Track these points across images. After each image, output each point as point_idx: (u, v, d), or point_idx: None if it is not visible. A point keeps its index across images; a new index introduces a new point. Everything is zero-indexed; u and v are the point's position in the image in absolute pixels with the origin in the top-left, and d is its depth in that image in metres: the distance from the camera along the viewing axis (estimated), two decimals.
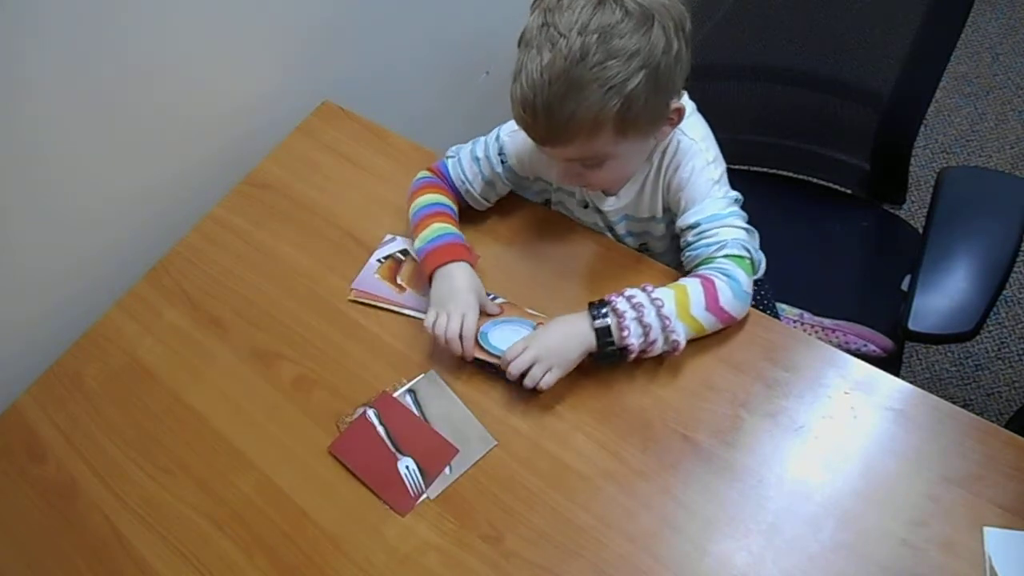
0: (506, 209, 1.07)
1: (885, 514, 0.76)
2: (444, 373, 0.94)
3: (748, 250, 0.87)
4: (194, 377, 1.02)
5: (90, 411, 1.02)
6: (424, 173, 1.04)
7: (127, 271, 1.13)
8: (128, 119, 1.08)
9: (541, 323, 0.91)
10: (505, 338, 0.90)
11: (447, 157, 1.04)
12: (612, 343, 0.84)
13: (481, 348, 0.90)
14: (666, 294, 0.85)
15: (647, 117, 0.81)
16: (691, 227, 0.89)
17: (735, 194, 0.91)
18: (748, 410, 0.85)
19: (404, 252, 1.06)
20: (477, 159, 1.01)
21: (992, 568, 0.71)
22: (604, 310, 0.84)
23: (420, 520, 0.85)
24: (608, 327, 0.84)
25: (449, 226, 0.97)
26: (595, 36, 0.75)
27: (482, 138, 1.03)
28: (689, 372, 0.88)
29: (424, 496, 0.87)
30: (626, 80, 0.76)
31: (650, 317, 0.83)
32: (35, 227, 1.04)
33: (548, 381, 0.85)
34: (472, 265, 0.95)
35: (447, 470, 0.88)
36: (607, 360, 0.86)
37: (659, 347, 0.85)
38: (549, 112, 0.77)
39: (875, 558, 0.74)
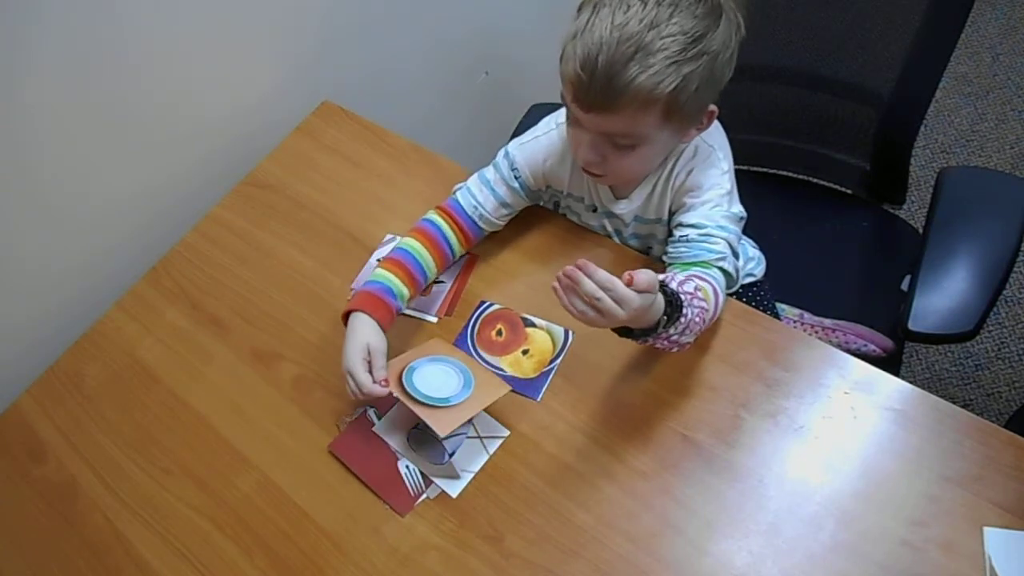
0: None
1: (885, 514, 0.76)
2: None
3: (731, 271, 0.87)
4: (194, 377, 1.02)
5: (90, 411, 1.02)
6: (429, 214, 1.00)
7: (127, 271, 1.13)
8: (128, 119, 1.08)
9: (468, 363, 0.89)
10: (430, 383, 0.87)
11: (454, 192, 1.01)
12: (648, 338, 0.77)
13: (405, 392, 0.86)
14: (714, 306, 0.82)
15: (691, 108, 0.81)
16: (695, 226, 0.87)
17: (740, 210, 0.90)
18: (748, 410, 0.85)
19: None
20: (487, 181, 0.99)
21: (992, 568, 0.71)
22: (679, 315, 0.76)
23: (420, 520, 0.85)
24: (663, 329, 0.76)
25: (387, 274, 0.94)
26: (670, 10, 0.75)
27: (485, 168, 1.01)
28: (689, 372, 0.88)
29: (424, 496, 0.87)
30: (688, 60, 0.76)
31: (695, 331, 0.79)
32: (35, 227, 1.04)
33: (593, 320, 0.72)
34: (381, 321, 0.90)
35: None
36: (627, 336, 0.78)
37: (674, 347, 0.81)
38: (610, 72, 0.76)
39: (875, 558, 0.74)
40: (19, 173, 0.99)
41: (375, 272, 0.95)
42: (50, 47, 0.94)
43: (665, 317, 0.75)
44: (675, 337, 0.78)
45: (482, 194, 0.98)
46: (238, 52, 1.19)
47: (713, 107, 0.84)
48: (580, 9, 0.80)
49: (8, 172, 0.97)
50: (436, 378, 0.88)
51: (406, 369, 0.89)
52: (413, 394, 0.86)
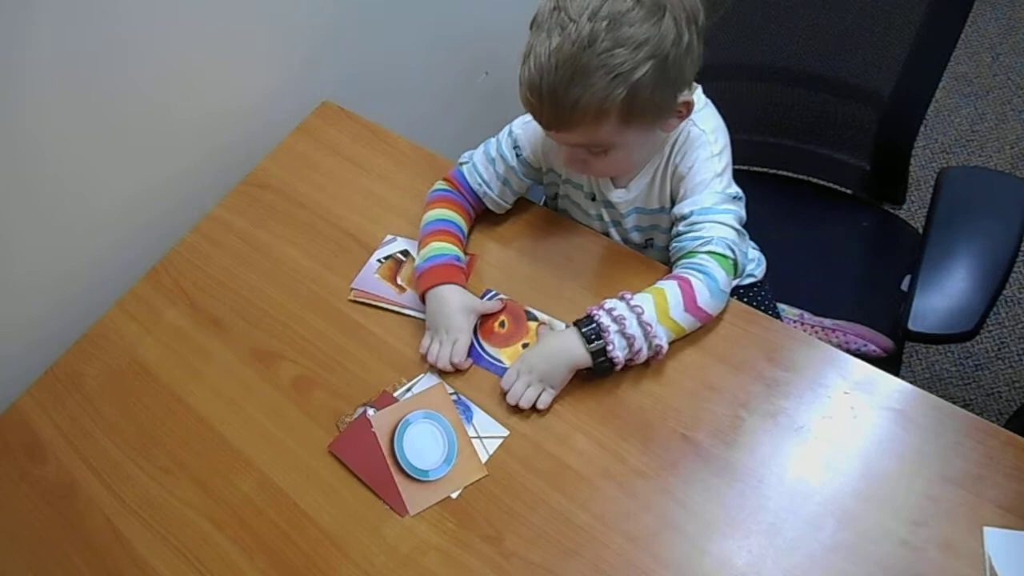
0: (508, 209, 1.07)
1: (885, 514, 0.76)
2: (444, 373, 0.94)
3: (733, 251, 0.87)
4: (194, 377, 1.02)
5: (90, 411, 1.02)
6: (439, 184, 1.05)
7: (127, 271, 1.13)
8: (128, 119, 1.08)
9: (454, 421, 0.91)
10: (418, 449, 0.89)
11: (460, 164, 1.04)
12: (604, 360, 0.85)
13: (399, 466, 0.88)
14: (645, 300, 0.85)
15: (652, 108, 0.81)
16: (683, 217, 0.89)
17: (736, 190, 0.90)
18: (748, 410, 0.85)
19: (404, 252, 1.06)
20: (492, 159, 1.01)
21: (992, 568, 0.71)
22: (592, 327, 0.85)
23: (420, 520, 0.85)
24: (603, 347, 0.84)
25: (445, 245, 0.98)
26: (605, 23, 0.75)
27: (492, 139, 1.03)
28: (689, 372, 0.88)
29: None
30: (633, 69, 0.76)
31: (632, 327, 0.84)
32: (35, 227, 1.04)
33: (544, 401, 0.88)
34: (463, 285, 0.96)
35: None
36: (599, 374, 0.87)
37: (644, 355, 0.85)
38: (554, 97, 0.77)
39: (875, 558, 0.74)
40: (19, 173, 0.99)
41: (432, 246, 0.98)
42: (50, 47, 0.94)
43: (590, 353, 0.84)
44: (633, 357, 0.85)
45: (488, 173, 1.01)
46: (238, 52, 1.19)
47: (688, 98, 0.84)
48: (530, 27, 0.81)
49: (8, 172, 0.97)
50: (424, 441, 0.90)
51: (401, 422, 0.91)
52: (398, 455, 0.89)
